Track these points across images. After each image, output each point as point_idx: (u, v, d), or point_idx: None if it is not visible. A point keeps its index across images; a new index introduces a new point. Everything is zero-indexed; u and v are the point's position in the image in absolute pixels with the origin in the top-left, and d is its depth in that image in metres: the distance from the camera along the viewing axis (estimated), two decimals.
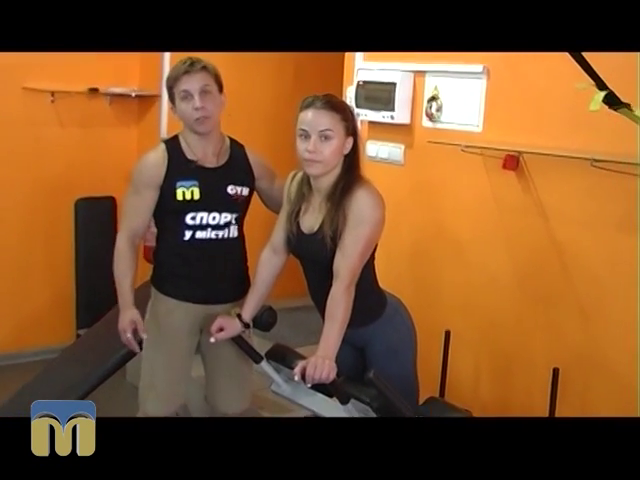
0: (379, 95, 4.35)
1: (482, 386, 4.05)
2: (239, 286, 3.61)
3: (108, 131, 6.02)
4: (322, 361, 3.03)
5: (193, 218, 3.45)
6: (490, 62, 3.91)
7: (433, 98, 4.19)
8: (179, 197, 3.42)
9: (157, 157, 3.46)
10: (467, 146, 3.93)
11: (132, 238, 3.51)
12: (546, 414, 3.51)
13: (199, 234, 3.47)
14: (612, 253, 3.52)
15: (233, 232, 3.54)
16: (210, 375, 3.74)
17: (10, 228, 5.66)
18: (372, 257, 3.26)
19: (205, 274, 3.53)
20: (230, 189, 3.51)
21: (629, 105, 2.96)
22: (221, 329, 3.41)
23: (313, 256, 3.26)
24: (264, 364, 3.54)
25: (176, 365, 3.63)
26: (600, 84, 2.91)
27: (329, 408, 3.39)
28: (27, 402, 4.13)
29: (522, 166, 3.80)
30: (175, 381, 3.66)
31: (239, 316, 3.42)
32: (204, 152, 3.50)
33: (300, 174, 3.30)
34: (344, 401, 3.21)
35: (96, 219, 5.94)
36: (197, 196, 3.43)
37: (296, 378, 3.08)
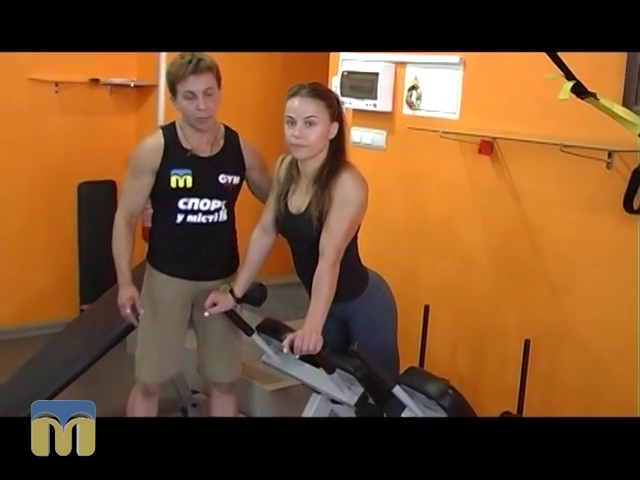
0: (363, 84, 4.34)
1: (458, 357, 4.07)
2: (228, 264, 3.63)
3: (108, 119, 6.00)
4: (309, 334, 3.05)
5: (185, 203, 3.43)
6: (466, 54, 3.90)
7: (413, 87, 4.18)
8: (173, 184, 3.41)
9: (154, 144, 3.43)
10: (445, 132, 3.93)
11: (129, 219, 3.51)
12: (518, 383, 3.53)
13: (190, 218, 3.46)
14: (580, 232, 3.54)
15: (222, 216, 3.52)
16: (202, 347, 3.73)
17: (17, 210, 5.65)
18: (355, 237, 3.26)
19: (195, 253, 3.53)
20: (221, 178, 3.47)
21: (595, 94, 2.97)
22: (215, 304, 3.41)
23: (300, 235, 3.27)
24: (255, 336, 3.55)
25: (169, 336, 3.62)
26: (568, 75, 2.92)
27: (316, 377, 3.40)
28: (35, 372, 4.17)
29: (496, 151, 3.81)
30: (168, 351, 3.65)
31: (231, 292, 3.43)
32: (199, 142, 3.46)
33: (289, 158, 3.30)
34: (330, 371, 3.23)
35: (97, 201, 5.92)
36: (190, 184, 3.42)
37: (285, 350, 3.10)
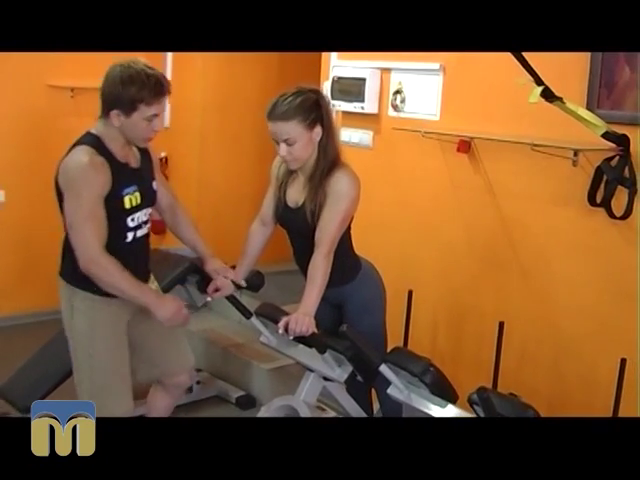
0: (351, 89, 4.35)
1: (439, 337, 4.08)
2: (147, 267, 3.25)
3: None
4: (302, 317, 3.06)
5: (133, 219, 3.01)
6: (446, 61, 3.91)
7: (397, 91, 4.19)
8: (127, 205, 2.96)
9: (100, 165, 2.87)
10: (426, 132, 3.93)
11: (104, 248, 2.89)
12: (493, 360, 3.56)
13: (138, 233, 3.06)
14: (549, 223, 3.55)
15: (149, 225, 3.17)
16: (149, 353, 3.29)
17: (39, 204, 5.62)
18: (348, 227, 3.27)
19: (140, 268, 3.13)
20: (154, 185, 3.16)
21: (562, 98, 3.00)
22: (217, 290, 3.40)
23: (297, 227, 3.27)
24: (254, 319, 3.56)
25: (125, 358, 3.15)
26: (538, 80, 2.95)
27: (309, 357, 3.42)
28: (56, 349, 4.14)
29: (473, 149, 3.82)
30: (127, 374, 3.17)
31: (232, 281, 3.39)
32: (127, 154, 3.01)
33: None
34: (322, 351, 3.24)
35: None
36: (139, 200, 3.01)
37: (280, 331, 3.12)
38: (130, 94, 2.81)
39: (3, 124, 5.48)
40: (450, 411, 2.93)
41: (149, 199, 3.11)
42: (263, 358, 4.65)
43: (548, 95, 2.97)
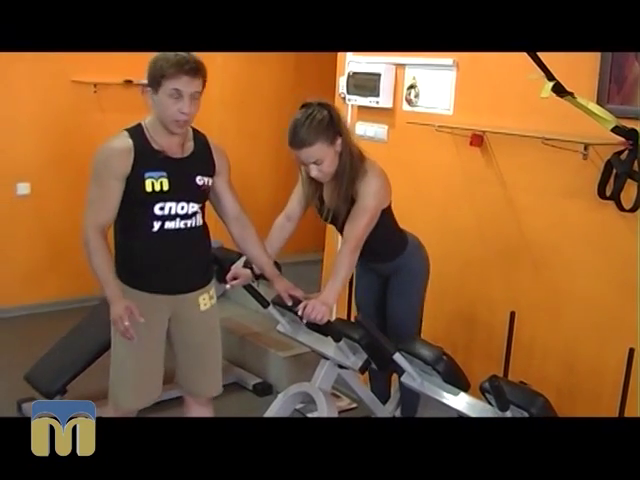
0: (366, 84, 4.34)
1: (452, 327, 4.08)
2: (206, 273, 3.15)
3: (141, 116, 5.91)
4: (320, 305, 3.09)
5: (162, 208, 2.89)
6: (459, 56, 3.89)
7: (412, 86, 4.18)
8: (148, 188, 2.85)
9: (122, 146, 2.86)
10: (440, 126, 3.92)
11: (101, 232, 2.87)
12: (504, 350, 3.56)
13: (168, 224, 2.91)
14: (558, 215, 3.54)
15: (199, 221, 3.01)
16: (182, 361, 3.15)
17: (62, 196, 5.69)
18: (389, 208, 3.34)
19: (174, 265, 2.98)
20: (199, 179, 2.97)
21: (572, 93, 2.99)
22: (235, 278, 3.39)
23: (336, 224, 3.36)
24: (271, 308, 3.57)
25: (148, 357, 3.02)
26: (549, 75, 2.93)
27: (324, 345, 3.43)
28: (80, 336, 4.16)
29: (486, 143, 3.81)
30: (148, 373, 3.05)
31: (251, 268, 3.39)
32: (169, 143, 2.91)
33: None
34: (337, 339, 3.26)
35: None
36: (166, 187, 2.87)
37: (299, 312, 3.14)
38: (156, 68, 2.81)
39: (28, 119, 5.52)
40: (462, 399, 2.94)
41: (186, 192, 2.94)
42: (280, 346, 4.66)
43: (559, 90, 2.96)
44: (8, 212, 5.57)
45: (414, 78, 4.17)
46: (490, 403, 2.80)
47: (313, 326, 3.31)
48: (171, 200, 2.90)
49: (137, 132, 2.92)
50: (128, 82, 5.76)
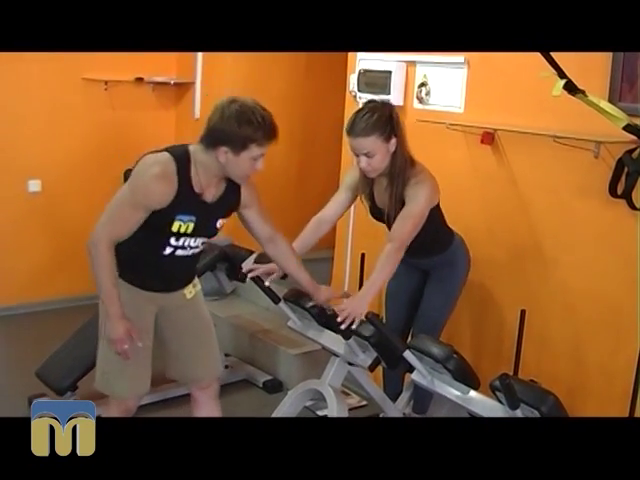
0: (377, 81, 4.33)
1: (462, 325, 4.07)
2: (193, 276, 3.19)
3: (151, 113, 6.02)
4: (358, 304, 3.18)
5: (177, 240, 2.92)
6: (470, 54, 3.87)
7: (422, 84, 4.17)
8: (174, 229, 2.86)
9: (168, 184, 2.78)
10: (451, 124, 3.92)
11: (112, 246, 2.86)
12: (514, 348, 3.55)
13: (179, 252, 2.96)
14: (569, 213, 3.53)
15: (202, 247, 3.08)
16: (178, 352, 3.17)
17: (73, 192, 5.72)
18: (438, 205, 3.42)
19: (173, 277, 3.07)
20: (219, 223, 3.02)
21: (584, 91, 2.98)
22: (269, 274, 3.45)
23: (382, 221, 3.45)
24: (282, 304, 3.58)
25: (142, 347, 3.01)
26: (561, 73, 2.93)
27: (335, 342, 3.43)
28: (90, 333, 4.17)
29: (497, 141, 3.80)
30: (142, 360, 3.06)
31: None
32: (209, 185, 2.90)
33: None
34: (347, 337, 3.26)
35: None
36: (190, 230, 2.90)
37: (339, 318, 3.15)
38: (245, 134, 2.74)
39: (40, 116, 5.54)
40: (472, 397, 2.94)
41: (204, 233, 2.99)
42: (290, 344, 4.67)
43: (571, 88, 2.96)
44: (19, 209, 5.59)
45: (425, 76, 4.16)
46: (500, 401, 2.80)
47: (324, 323, 3.31)
48: (190, 237, 2.94)
49: (184, 169, 2.82)
50: (139, 80, 5.79)
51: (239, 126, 2.73)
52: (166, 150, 2.86)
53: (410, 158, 3.33)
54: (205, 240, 3.03)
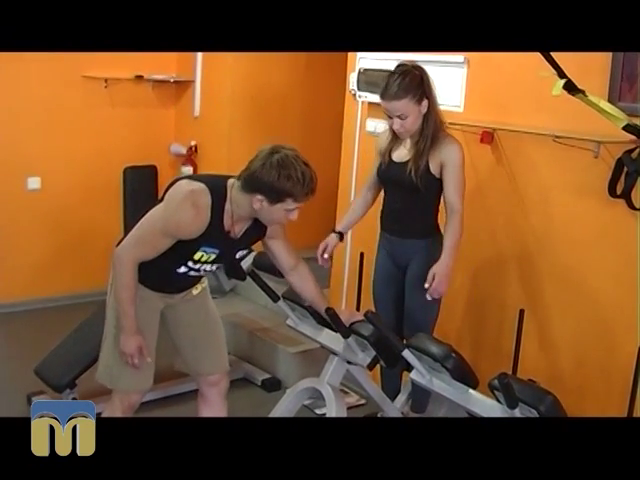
0: (377, 80, 4.29)
1: (461, 324, 4.07)
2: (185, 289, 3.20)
3: (151, 111, 6.02)
4: (445, 273, 3.37)
5: (195, 263, 2.96)
6: (470, 54, 3.88)
7: None
8: (196, 257, 2.91)
9: (202, 220, 2.79)
10: (451, 123, 3.87)
11: (137, 265, 2.91)
12: (513, 347, 3.55)
13: (192, 273, 3.01)
14: (570, 213, 3.53)
15: (208, 273, 3.12)
16: (186, 345, 3.24)
17: (72, 190, 5.72)
18: (441, 191, 3.49)
19: (183, 286, 3.14)
20: (239, 254, 3.08)
21: (584, 91, 2.98)
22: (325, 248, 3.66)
23: (396, 178, 3.51)
24: (281, 303, 3.58)
25: (149, 343, 3.06)
26: (560, 73, 2.92)
27: (333, 341, 3.43)
28: (90, 330, 4.18)
29: (496, 140, 3.80)
30: (150, 357, 3.09)
31: (333, 230, 3.71)
32: (238, 224, 2.91)
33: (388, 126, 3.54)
34: (346, 336, 3.25)
35: (140, 183, 5.96)
36: (211, 260, 2.95)
37: (426, 285, 3.36)
38: (284, 188, 2.73)
39: (40, 113, 5.54)
40: (471, 396, 2.93)
41: (223, 262, 3.10)
42: (288, 342, 4.66)
43: (570, 88, 2.95)
44: (18, 206, 5.58)
45: None
46: (499, 401, 2.79)
47: (322, 321, 3.31)
48: (208, 264, 2.99)
49: (218, 202, 2.83)
50: (139, 77, 5.79)
51: (278, 179, 2.72)
52: (204, 180, 2.86)
53: (440, 120, 3.46)
54: (220, 264, 3.09)
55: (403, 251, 3.59)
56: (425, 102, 3.38)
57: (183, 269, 2.97)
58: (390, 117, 3.43)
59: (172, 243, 2.84)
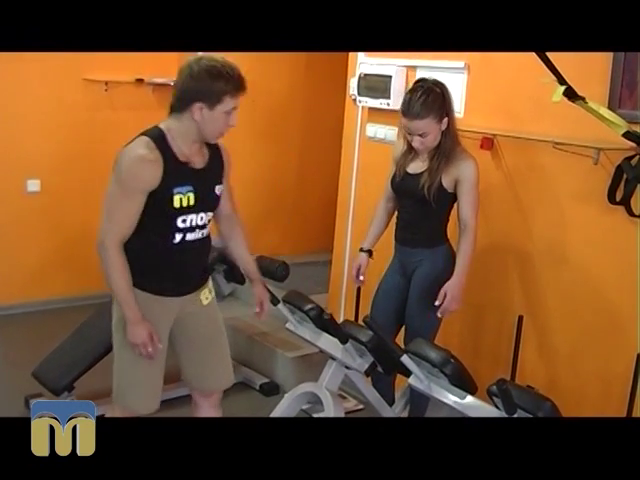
0: (377, 85, 4.33)
1: (459, 330, 4.06)
2: (206, 272, 3.16)
3: (151, 114, 5.87)
4: (458, 290, 3.35)
5: (184, 221, 2.85)
6: (470, 59, 3.89)
7: None
8: (176, 204, 2.80)
9: (152, 159, 2.75)
10: None
11: (121, 246, 2.80)
12: (511, 354, 3.55)
13: (189, 236, 2.89)
14: (568, 219, 3.53)
15: (208, 228, 3.01)
16: (190, 360, 3.12)
17: (72, 193, 5.72)
18: (452, 205, 3.51)
19: (187, 271, 2.99)
20: (217, 189, 2.97)
21: (584, 98, 2.98)
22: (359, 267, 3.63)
23: (409, 190, 3.49)
24: (281, 306, 3.58)
25: (158, 360, 2.97)
26: (561, 79, 2.93)
27: (332, 346, 3.43)
28: (88, 333, 4.17)
29: (496, 146, 3.80)
30: (158, 376, 3.03)
31: (361, 249, 3.68)
32: (191, 152, 2.87)
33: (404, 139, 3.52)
34: (344, 341, 3.26)
35: None
36: (192, 202, 2.84)
37: (437, 302, 3.32)
38: (218, 87, 2.75)
39: (40, 116, 5.54)
40: (469, 402, 2.93)
41: (207, 203, 2.94)
42: (287, 346, 4.66)
43: (570, 94, 2.96)
44: (18, 209, 5.59)
45: None
46: (497, 407, 2.80)
47: (321, 326, 3.31)
48: (194, 212, 2.88)
49: (161, 140, 2.81)
50: (139, 81, 5.80)
51: (212, 80, 2.76)
52: (138, 137, 2.85)
53: (457, 136, 3.46)
54: (209, 215, 2.96)
55: (411, 260, 3.56)
56: (445, 119, 3.37)
57: (178, 236, 2.86)
58: (410, 134, 3.40)
59: (142, 201, 2.77)
